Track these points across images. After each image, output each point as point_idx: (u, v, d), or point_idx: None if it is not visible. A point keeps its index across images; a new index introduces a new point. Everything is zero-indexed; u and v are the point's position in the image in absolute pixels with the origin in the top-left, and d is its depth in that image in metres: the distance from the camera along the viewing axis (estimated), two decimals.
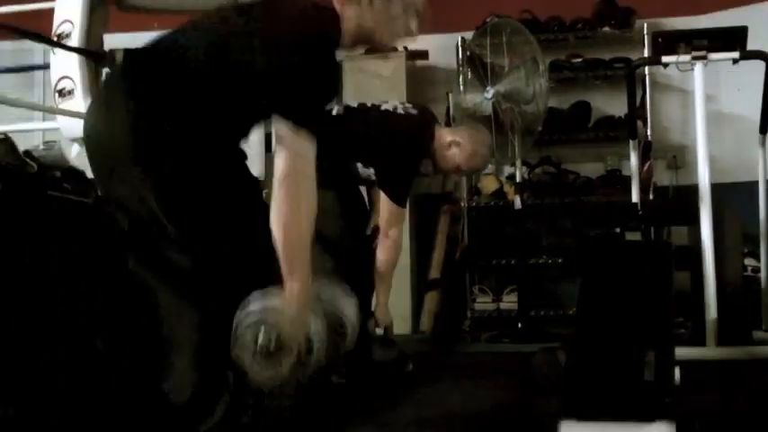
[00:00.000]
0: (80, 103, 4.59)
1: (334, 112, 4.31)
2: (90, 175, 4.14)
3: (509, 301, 6.41)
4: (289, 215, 2.35)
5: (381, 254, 4.18)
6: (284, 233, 2.32)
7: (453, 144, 4.25)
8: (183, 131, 2.27)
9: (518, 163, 5.86)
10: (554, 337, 5.12)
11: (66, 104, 4.63)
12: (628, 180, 5.37)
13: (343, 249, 4.05)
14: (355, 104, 4.38)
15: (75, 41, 4.60)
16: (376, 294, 4.25)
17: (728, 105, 6.43)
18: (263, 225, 2.27)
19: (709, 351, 4.03)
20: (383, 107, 4.29)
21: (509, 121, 5.59)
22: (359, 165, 4.21)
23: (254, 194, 2.50)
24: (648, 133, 6.33)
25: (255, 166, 5.58)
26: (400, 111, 4.29)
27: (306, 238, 2.38)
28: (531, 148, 5.95)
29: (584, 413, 2.48)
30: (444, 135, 4.30)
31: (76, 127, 4.68)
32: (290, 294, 2.29)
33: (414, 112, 4.32)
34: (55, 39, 4.65)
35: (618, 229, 4.45)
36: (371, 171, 4.21)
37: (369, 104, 4.34)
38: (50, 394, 3.02)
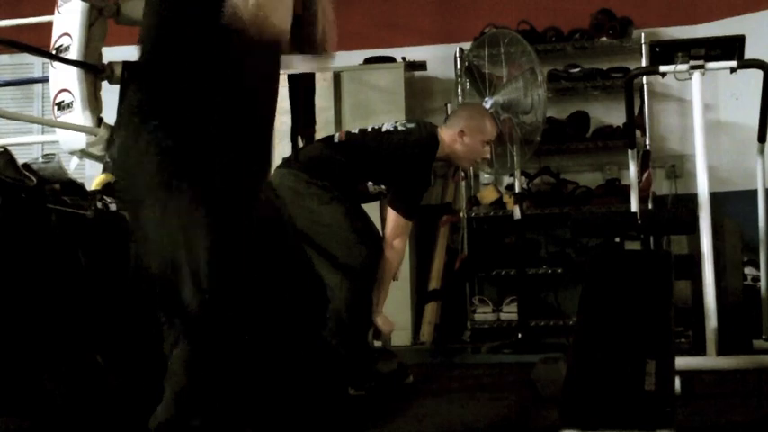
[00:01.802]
0: (79, 116, 4.60)
1: (335, 140, 4.36)
2: (89, 186, 4.16)
3: (509, 312, 6.41)
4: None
5: (384, 263, 4.21)
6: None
7: (460, 134, 4.32)
8: None
9: (517, 173, 5.87)
10: (554, 347, 5.12)
11: (64, 117, 4.63)
12: (627, 189, 5.38)
13: (353, 264, 4.07)
14: (355, 130, 4.44)
15: (73, 55, 4.61)
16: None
17: (727, 114, 6.44)
18: None
19: (709, 360, 4.03)
20: (384, 128, 4.35)
21: (508, 132, 5.59)
22: (369, 183, 4.26)
23: None
24: (647, 143, 6.34)
25: None
26: (401, 128, 4.34)
27: None
28: (530, 159, 5.95)
29: (585, 423, 2.48)
30: (447, 133, 4.36)
31: (75, 140, 4.69)
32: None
33: (412, 125, 4.37)
34: (54, 52, 4.66)
35: (617, 239, 4.44)
36: (382, 187, 4.25)
37: (369, 128, 4.40)
38: (48, 408, 3.01)
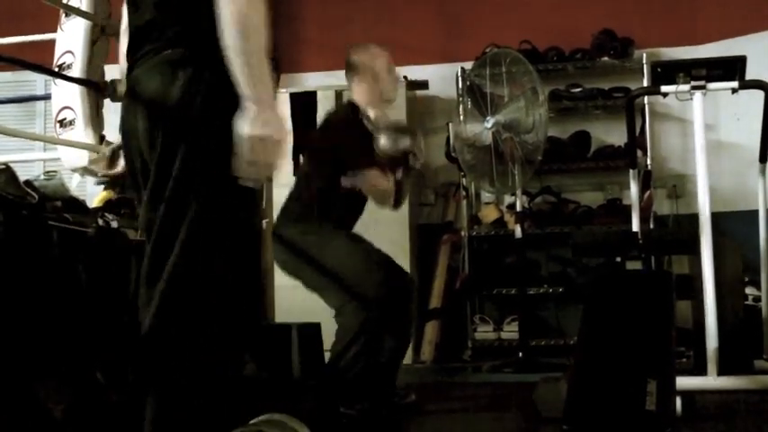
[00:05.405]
0: (81, 133, 4.60)
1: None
2: (91, 204, 4.17)
3: (510, 331, 6.40)
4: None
5: None
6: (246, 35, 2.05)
7: (359, 81, 4.37)
8: None
9: (518, 192, 5.87)
10: (555, 367, 5.10)
11: (66, 135, 4.63)
12: (628, 209, 5.38)
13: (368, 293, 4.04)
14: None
15: (76, 72, 4.61)
16: None
17: (728, 135, 6.45)
18: None
19: (710, 381, 4.02)
20: None
21: (509, 151, 5.60)
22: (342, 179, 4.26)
23: None
24: (648, 162, 6.34)
25: None
26: None
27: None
28: (532, 178, 5.96)
29: None
30: (354, 90, 4.40)
31: (77, 157, 4.69)
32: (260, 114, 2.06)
33: None
34: (56, 69, 4.66)
35: (618, 259, 4.44)
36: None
37: None
38: (48, 425, 3.01)
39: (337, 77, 6.89)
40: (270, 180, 2.10)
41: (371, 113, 4.30)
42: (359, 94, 4.35)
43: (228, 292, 2.13)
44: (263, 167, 2.06)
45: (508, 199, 6.64)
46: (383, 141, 4.09)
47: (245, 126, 2.03)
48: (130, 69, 2.26)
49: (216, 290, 2.11)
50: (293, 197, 4.29)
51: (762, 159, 4.71)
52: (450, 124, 6.52)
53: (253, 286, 2.31)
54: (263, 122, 2.03)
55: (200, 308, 2.10)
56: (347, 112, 4.34)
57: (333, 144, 4.19)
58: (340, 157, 4.13)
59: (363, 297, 3.94)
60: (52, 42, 4.81)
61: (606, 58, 6.59)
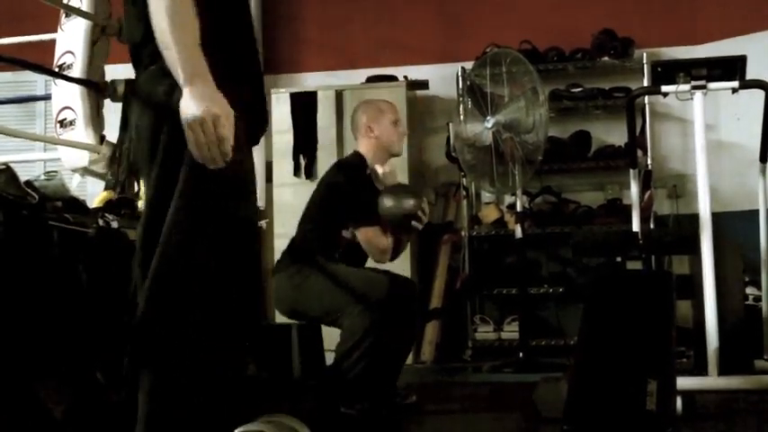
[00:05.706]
0: (81, 133, 4.60)
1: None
2: (91, 204, 4.17)
3: (510, 331, 6.40)
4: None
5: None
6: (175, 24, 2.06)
7: (368, 130, 4.38)
8: None
9: (519, 192, 5.87)
10: (556, 367, 5.10)
11: (67, 135, 4.63)
12: (628, 209, 5.37)
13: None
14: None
15: (76, 72, 4.62)
16: None
17: (728, 134, 6.45)
18: None
19: (710, 381, 4.02)
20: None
21: (509, 151, 5.60)
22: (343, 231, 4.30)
23: None
24: (649, 162, 6.34)
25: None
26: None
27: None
28: (532, 178, 5.95)
29: None
30: (361, 141, 4.43)
31: (78, 157, 4.70)
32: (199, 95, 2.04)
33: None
34: (56, 70, 4.67)
35: (619, 259, 4.44)
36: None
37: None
38: (49, 425, 3.01)
39: (337, 77, 6.92)
40: (222, 159, 2.01)
41: (379, 170, 4.31)
42: (365, 148, 4.37)
43: (213, 282, 2.13)
44: (211, 146, 2.04)
45: (508, 199, 6.64)
46: (387, 202, 4.11)
47: (181, 110, 2.03)
48: (137, 76, 2.31)
49: (199, 278, 2.11)
50: (292, 246, 4.30)
51: (762, 159, 4.71)
52: (451, 124, 6.52)
53: (251, 285, 2.30)
54: (197, 100, 2.02)
55: (182, 297, 2.10)
56: (356, 163, 4.35)
57: (338, 196, 4.22)
58: (343, 208, 4.19)
59: (368, 299, 3.94)
60: (52, 42, 4.81)
61: (606, 58, 6.59)
